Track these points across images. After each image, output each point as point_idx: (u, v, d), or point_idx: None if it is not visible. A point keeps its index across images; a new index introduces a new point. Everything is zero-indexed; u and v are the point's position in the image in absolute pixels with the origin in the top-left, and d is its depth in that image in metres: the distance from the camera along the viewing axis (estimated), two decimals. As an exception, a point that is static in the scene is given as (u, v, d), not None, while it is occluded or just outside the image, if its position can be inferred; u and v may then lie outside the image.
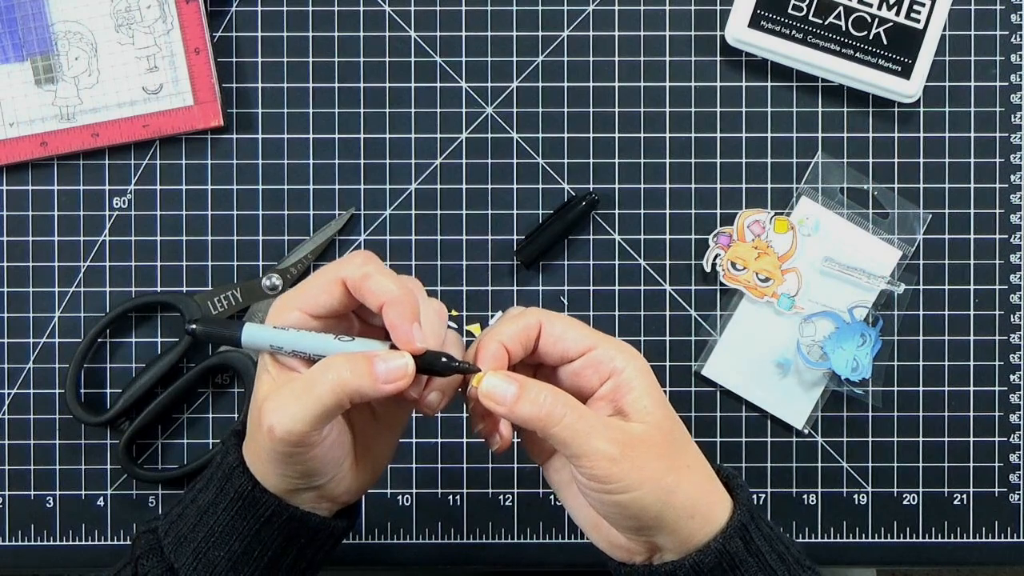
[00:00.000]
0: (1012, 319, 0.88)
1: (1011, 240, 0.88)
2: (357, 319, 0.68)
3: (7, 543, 0.87)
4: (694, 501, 0.64)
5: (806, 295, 0.87)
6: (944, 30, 0.87)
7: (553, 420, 0.62)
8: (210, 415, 0.88)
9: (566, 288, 0.88)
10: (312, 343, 0.64)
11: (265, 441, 0.63)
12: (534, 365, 0.68)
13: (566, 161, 0.88)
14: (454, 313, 0.88)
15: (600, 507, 0.64)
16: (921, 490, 0.88)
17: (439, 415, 0.87)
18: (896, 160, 0.88)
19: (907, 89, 0.86)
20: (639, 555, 0.67)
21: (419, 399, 0.65)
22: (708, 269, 0.87)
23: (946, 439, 0.88)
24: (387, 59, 0.88)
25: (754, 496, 0.87)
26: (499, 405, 0.63)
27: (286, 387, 0.63)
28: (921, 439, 0.88)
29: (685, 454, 0.65)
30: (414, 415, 0.87)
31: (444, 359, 0.64)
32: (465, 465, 0.88)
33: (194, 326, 0.68)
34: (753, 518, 0.66)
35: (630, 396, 0.64)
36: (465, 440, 0.88)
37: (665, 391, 0.87)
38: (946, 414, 0.88)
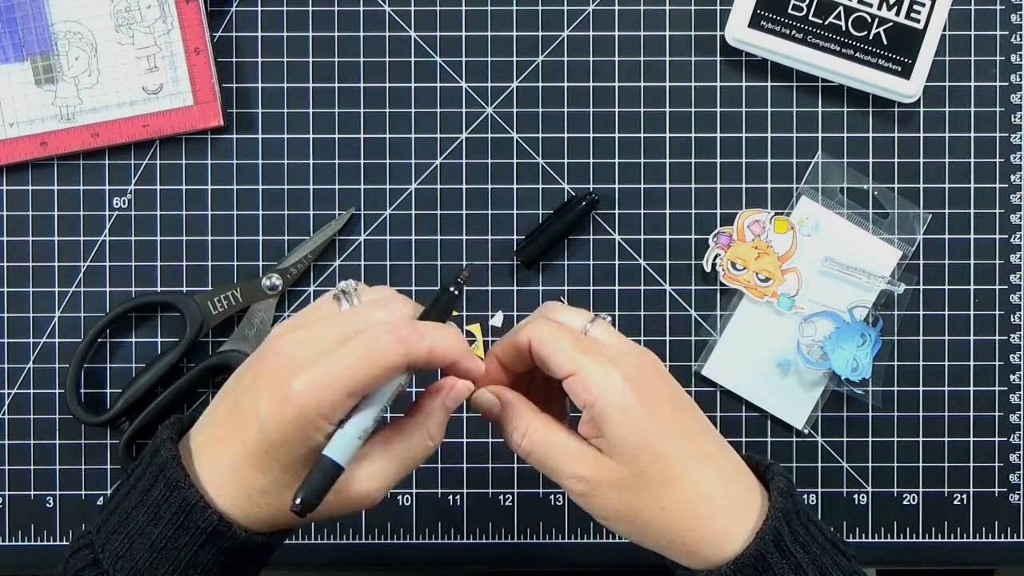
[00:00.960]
0: (1012, 319, 0.88)
1: (1011, 240, 0.88)
2: None
3: (7, 543, 0.87)
4: (671, 539, 0.64)
5: (806, 295, 0.87)
6: (944, 30, 0.87)
7: (523, 448, 0.65)
8: (210, 415, 0.88)
9: (566, 288, 0.88)
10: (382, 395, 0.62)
11: (276, 417, 0.60)
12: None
13: (566, 161, 0.88)
14: (455, 313, 0.88)
15: (616, 531, 0.66)
16: (921, 490, 0.88)
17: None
18: (896, 160, 0.88)
19: (907, 89, 0.86)
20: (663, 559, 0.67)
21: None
22: (708, 269, 0.87)
23: (946, 439, 0.88)
24: (387, 59, 0.88)
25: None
26: (488, 417, 0.66)
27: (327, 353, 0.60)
28: (921, 439, 0.88)
29: (661, 495, 0.64)
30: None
31: None
32: (465, 465, 0.88)
33: (299, 501, 0.60)
34: (787, 517, 0.64)
35: (606, 427, 0.63)
36: (465, 440, 0.88)
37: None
38: (946, 414, 0.88)
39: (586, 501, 0.64)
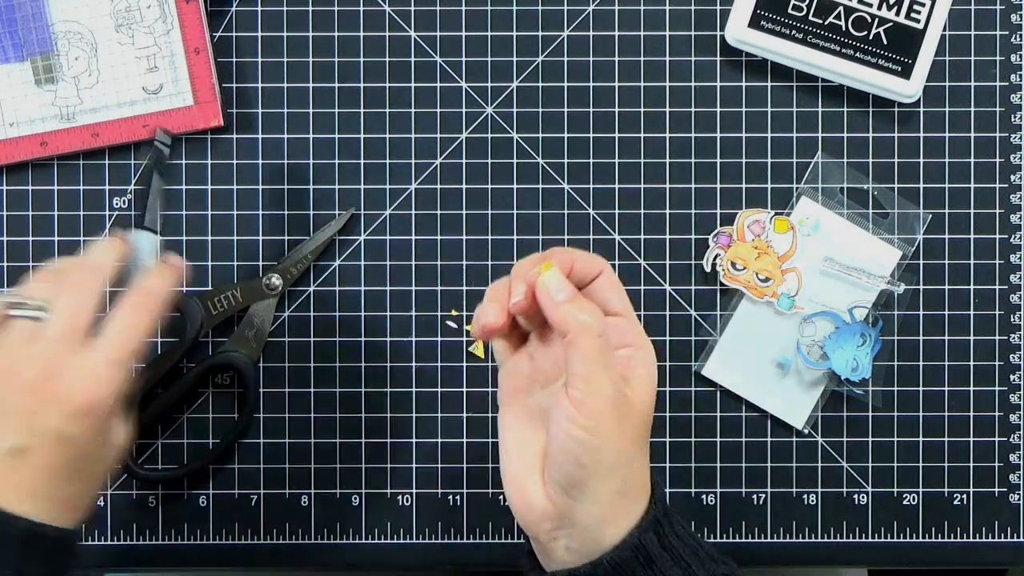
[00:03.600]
0: (1012, 319, 0.88)
1: (1011, 240, 0.88)
2: None
3: (7, 543, 0.87)
4: (632, 483, 0.67)
5: (806, 295, 0.87)
6: (944, 30, 0.87)
7: (587, 332, 0.65)
8: (210, 415, 0.88)
9: (566, 288, 0.88)
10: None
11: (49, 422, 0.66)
12: None
13: (566, 161, 0.88)
14: (454, 313, 0.88)
15: (562, 440, 0.65)
16: (921, 490, 0.88)
17: (439, 415, 0.87)
18: (896, 160, 0.88)
19: (907, 89, 0.86)
20: (545, 523, 0.67)
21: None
22: (708, 269, 0.87)
23: (946, 439, 0.88)
24: (387, 59, 0.88)
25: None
26: (550, 298, 0.66)
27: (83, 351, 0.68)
28: (921, 439, 0.88)
29: (646, 442, 0.68)
30: (415, 414, 0.87)
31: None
32: (465, 465, 0.88)
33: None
34: (667, 514, 0.68)
35: (637, 371, 0.68)
36: (465, 440, 0.88)
37: (665, 391, 0.87)
38: (946, 414, 0.88)
39: (602, 408, 0.65)
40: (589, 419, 0.64)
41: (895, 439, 0.88)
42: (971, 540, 0.88)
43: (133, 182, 0.88)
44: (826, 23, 0.86)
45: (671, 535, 0.67)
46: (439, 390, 0.88)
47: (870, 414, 0.88)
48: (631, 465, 0.66)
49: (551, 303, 0.66)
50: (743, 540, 0.88)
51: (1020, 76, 0.88)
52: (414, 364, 0.88)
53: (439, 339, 0.88)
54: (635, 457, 0.67)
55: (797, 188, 0.88)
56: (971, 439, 0.88)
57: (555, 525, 0.67)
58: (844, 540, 0.88)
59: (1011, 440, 0.88)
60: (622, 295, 0.69)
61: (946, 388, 0.88)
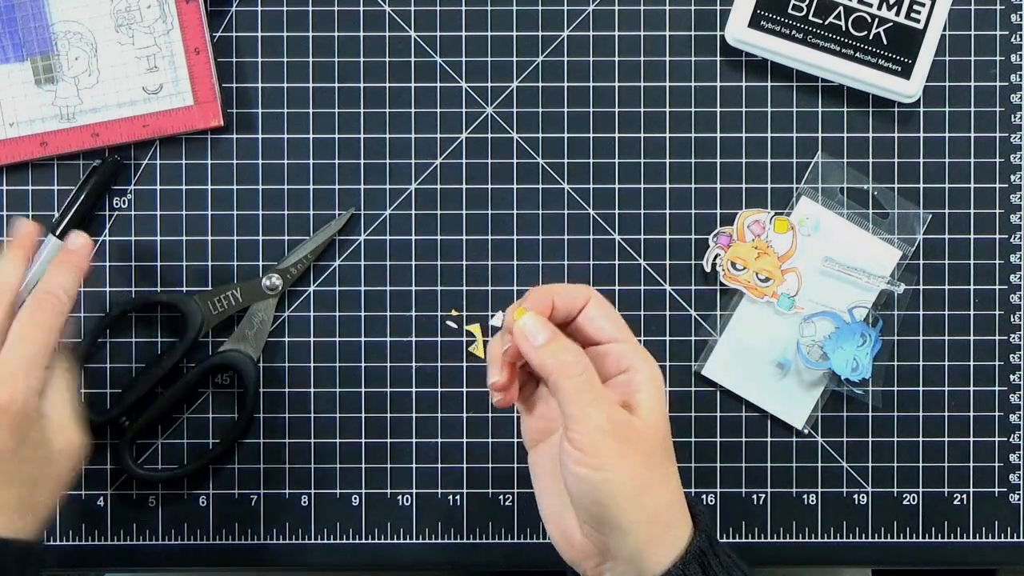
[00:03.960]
0: (1012, 319, 0.88)
1: (1011, 240, 0.88)
2: None
3: (7, 543, 0.87)
4: (659, 509, 0.66)
5: (806, 295, 0.87)
6: (944, 30, 0.87)
7: (567, 373, 0.65)
8: (210, 415, 0.88)
9: (566, 288, 0.88)
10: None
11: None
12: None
13: (566, 161, 0.88)
14: (454, 313, 0.88)
15: (573, 483, 0.65)
16: (921, 490, 0.88)
17: (439, 415, 0.87)
18: (896, 160, 0.88)
19: (907, 89, 0.86)
20: (589, 560, 0.68)
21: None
22: (708, 269, 0.87)
23: (946, 439, 0.88)
24: (387, 59, 0.88)
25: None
26: (528, 343, 0.66)
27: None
28: (921, 439, 0.88)
29: (666, 465, 0.67)
30: (416, 415, 0.87)
31: None
32: (465, 465, 0.88)
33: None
34: (712, 545, 0.67)
35: (639, 395, 0.67)
36: (465, 440, 0.88)
37: (665, 391, 0.87)
38: (946, 414, 0.88)
39: (606, 444, 0.64)
40: (592, 457, 0.64)
41: (895, 439, 0.88)
42: (971, 540, 0.88)
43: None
44: (826, 23, 0.86)
45: (716, 566, 0.67)
46: (439, 390, 0.88)
47: (870, 414, 0.88)
48: (652, 491, 0.66)
49: (529, 348, 0.66)
50: (743, 540, 0.88)
51: (1020, 76, 0.88)
52: (414, 364, 0.88)
53: (439, 339, 0.88)
54: (653, 483, 0.66)
55: (797, 188, 0.88)
56: (971, 439, 0.88)
57: (598, 561, 0.67)
58: (844, 540, 0.88)
59: (1011, 440, 0.88)
60: (614, 319, 0.69)
61: (946, 388, 0.88)
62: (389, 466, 0.88)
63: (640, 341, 0.87)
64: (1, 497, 0.70)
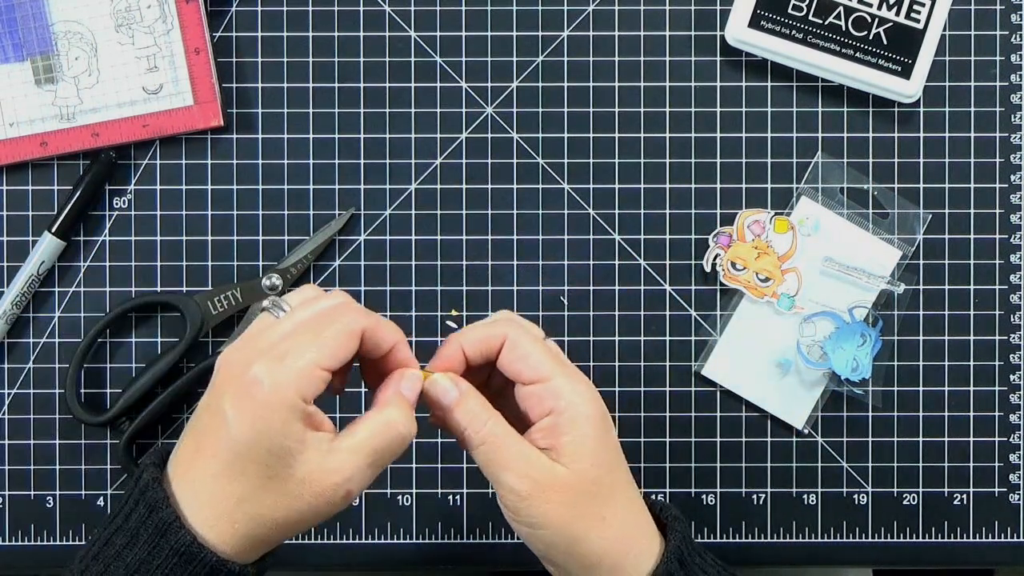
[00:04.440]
0: (1012, 319, 0.88)
1: (1011, 240, 0.88)
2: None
3: (7, 543, 0.87)
4: (600, 554, 0.66)
5: (806, 295, 0.87)
6: (944, 30, 0.87)
7: (474, 440, 0.65)
8: (210, 415, 0.88)
9: (566, 288, 0.88)
10: None
11: (242, 412, 0.60)
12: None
13: (566, 161, 0.88)
14: (454, 313, 0.88)
15: (522, 537, 0.67)
16: (921, 490, 0.88)
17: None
18: (896, 160, 0.88)
19: (907, 89, 0.86)
20: None
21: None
22: (708, 269, 0.87)
23: (946, 439, 0.88)
24: (387, 59, 0.88)
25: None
26: (437, 406, 0.66)
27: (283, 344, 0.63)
28: (921, 439, 0.88)
29: (605, 505, 0.66)
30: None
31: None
32: (465, 465, 0.88)
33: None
34: (683, 565, 0.67)
35: (564, 438, 0.65)
36: (465, 440, 0.88)
37: (665, 391, 0.87)
38: (946, 414, 0.88)
39: (526, 504, 0.64)
40: (517, 515, 0.65)
41: (895, 439, 0.88)
42: (971, 540, 0.88)
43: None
44: (826, 23, 0.86)
45: (692, 564, 0.67)
46: (439, 390, 0.88)
47: (870, 414, 0.88)
48: (585, 540, 0.65)
49: (442, 414, 0.66)
50: (743, 540, 0.88)
51: (1020, 76, 0.88)
52: (414, 364, 0.88)
53: (439, 339, 0.88)
54: (588, 530, 0.65)
55: (797, 188, 0.88)
56: (971, 439, 0.88)
57: None
58: (844, 540, 0.88)
59: (1011, 440, 0.88)
60: (533, 357, 0.66)
61: (946, 388, 0.88)
62: (389, 466, 0.87)
63: (640, 341, 0.87)
64: (261, 505, 0.63)
